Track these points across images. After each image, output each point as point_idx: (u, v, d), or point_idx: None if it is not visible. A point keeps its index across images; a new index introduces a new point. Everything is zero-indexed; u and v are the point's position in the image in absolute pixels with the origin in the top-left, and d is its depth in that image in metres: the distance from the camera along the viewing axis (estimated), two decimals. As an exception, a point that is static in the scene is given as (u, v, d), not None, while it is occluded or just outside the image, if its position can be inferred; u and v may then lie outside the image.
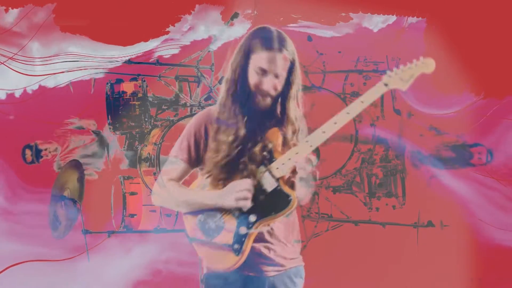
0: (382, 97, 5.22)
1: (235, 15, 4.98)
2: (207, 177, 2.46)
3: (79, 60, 4.96)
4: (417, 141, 5.19)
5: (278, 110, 2.48)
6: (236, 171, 2.41)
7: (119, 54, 4.98)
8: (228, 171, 2.42)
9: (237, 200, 2.36)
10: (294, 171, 2.37)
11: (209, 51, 5.07)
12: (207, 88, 5.10)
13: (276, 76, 2.40)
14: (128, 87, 4.97)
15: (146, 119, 4.96)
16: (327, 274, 4.84)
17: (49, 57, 4.91)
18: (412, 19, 5.17)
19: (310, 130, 2.57)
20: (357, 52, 5.30)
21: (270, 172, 2.40)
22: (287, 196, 2.39)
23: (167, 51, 5.08)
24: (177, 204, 2.59)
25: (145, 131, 4.98)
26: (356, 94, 5.30)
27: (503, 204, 5.06)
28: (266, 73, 2.39)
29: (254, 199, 2.39)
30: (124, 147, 5.11)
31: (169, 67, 5.11)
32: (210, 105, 4.99)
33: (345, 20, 5.17)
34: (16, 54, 4.83)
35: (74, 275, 4.73)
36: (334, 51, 5.25)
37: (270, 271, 2.50)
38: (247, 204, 2.37)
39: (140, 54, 5.01)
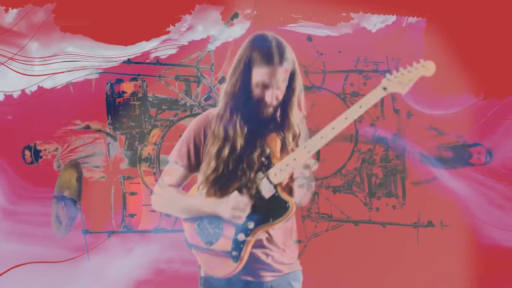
0: (382, 97, 5.21)
1: (235, 15, 4.97)
2: (201, 189, 2.45)
3: (79, 60, 4.96)
4: (417, 141, 5.19)
5: (279, 115, 2.47)
6: (230, 182, 2.40)
7: (117, 54, 4.98)
8: (219, 185, 2.41)
9: (232, 217, 2.36)
10: (292, 177, 2.37)
11: (209, 51, 5.07)
12: (207, 88, 5.10)
13: (278, 88, 2.38)
14: (128, 87, 4.97)
15: (146, 119, 4.95)
16: (327, 274, 4.84)
17: (49, 57, 4.91)
18: (412, 19, 5.18)
19: (310, 131, 2.57)
20: (357, 52, 5.30)
21: (268, 179, 2.39)
22: (285, 202, 2.38)
23: (165, 51, 5.08)
24: (176, 210, 2.60)
25: (145, 131, 4.98)
26: (356, 94, 5.30)
27: (503, 204, 5.06)
28: (268, 87, 2.38)
29: (252, 206, 2.39)
30: (124, 147, 5.11)
31: (169, 67, 5.11)
32: (210, 105, 5.00)
33: (346, 20, 5.17)
34: (16, 54, 4.83)
35: (74, 275, 4.73)
36: (334, 51, 5.25)
37: (268, 276, 2.49)
38: (240, 222, 2.38)
39: (138, 54, 5.02)
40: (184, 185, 2.58)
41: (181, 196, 2.51)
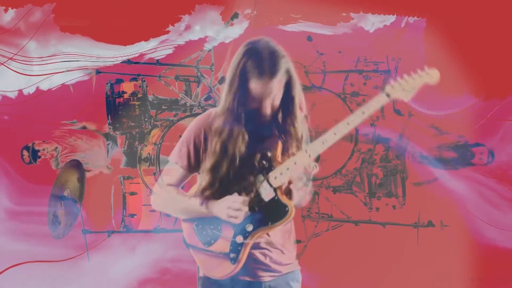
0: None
1: (235, 15, 4.97)
2: (200, 188, 2.45)
3: (79, 60, 4.96)
4: (418, 141, 5.19)
5: (281, 119, 2.45)
6: (230, 185, 2.40)
7: (116, 54, 4.98)
8: (221, 188, 2.41)
9: (228, 217, 2.36)
10: (291, 181, 2.38)
11: (209, 51, 5.07)
12: (207, 88, 5.10)
13: (273, 98, 2.35)
14: (128, 87, 4.97)
15: (146, 119, 4.95)
16: (327, 274, 4.84)
17: (48, 57, 4.91)
18: (412, 19, 5.17)
19: (310, 131, 2.57)
20: (357, 52, 5.30)
21: (268, 181, 2.39)
22: (285, 206, 2.38)
23: (164, 52, 5.08)
24: (175, 210, 2.60)
25: (145, 131, 4.98)
26: (356, 94, 5.30)
27: (503, 205, 5.06)
28: (263, 99, 2.36)
29: (252, 208, 2.38)
30: (124, 147, 5.11)
31: (169, 67, 5.11)
32: (210, 105, 5.00)
33: (346, 20, 5.17)
34: (16, 54, 4.83)
35: (74, 275, 4.73)
36: (334, 51, 5.25)
37: (266, 277, 2.49)
38: (237, 221, 2.37)
39: (137, 55, 5.02)
40: (183, 184, 2.58)
41: (180, 197, 2.51)
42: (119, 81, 4.98)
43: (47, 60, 4.91)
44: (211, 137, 2.43)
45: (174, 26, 5.03)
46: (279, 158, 2.40)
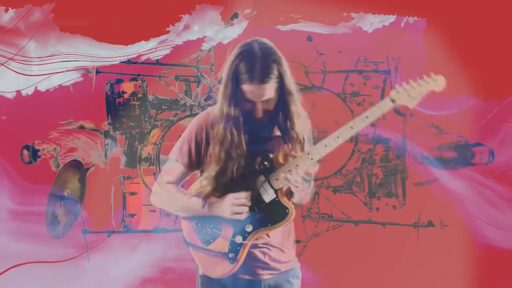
0: (382, 97, 5.22)
1: (235, 15, 4.97)
2: (202, 186, 2.45)
3: (78, 60, 4.96)
4: (418, 141, 5.18)
5: (281, 122, 2.44)
6: (232, 185, 2.40)
7: (115, 54, 4.98)
8: (224, 187, 2.41)
9: (232, 214, 2.36)
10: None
11: (209, 51, 5.07)
12: (207, 88, 5.10)
13: (265, 100, 2.33)
14: (128, 87, 4.97)
15: (146, 119, 4.95)
16: (327, 274, 4.84)
17: (47, 56, 4.91)
18: (412, 19, 5.17)
19: (312, 131, 2.57)
20: (357, 52, 5.30)
21: (269, 183, 2.39)
22: (285, 208, 2.38)
23: (163, 52, 5.08)
24: (175, 209, 2.60)
25: (145, 131, 4.98)
26: (356, 94, 5.30)
27: (503, 205, 5.06)
28: (256, 102, 2.34)
29: (252, 209, 2.38)
30: (124, 147, 5.11)
31: (169, 67, 5.11)
32: (210, 105, 4.99)
33: (346, 20, 5.17)
34: (16, 54, 4.83)
35: (74, 275, 4.73)
36: (335, 51, 5.25)
37: (266, 275, 2.50)
38: (242, 217, 2.36)
39: (135, 55, 5.01)
40: (183, 182, 2.58)
41: (180, 195, 2.51)
42: (119, 81, 4.98)
43: (46, 60, 4.91)
44: (212, 142, 2.43)
45: (174, 26, 5.03)
46: (281, 160, 2.40)
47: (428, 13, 5.13)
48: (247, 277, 2.48)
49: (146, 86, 5.00)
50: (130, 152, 5.09)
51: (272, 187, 2.39)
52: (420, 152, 5.18)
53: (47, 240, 4.82)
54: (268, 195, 2.39)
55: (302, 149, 2.43)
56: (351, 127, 2.32)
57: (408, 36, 5.17)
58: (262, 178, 2.40)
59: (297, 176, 2.32)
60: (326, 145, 2.34)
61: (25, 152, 4.98)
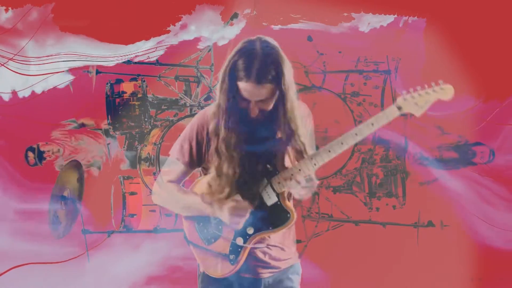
0: (382, 97, 5.22)
1: (235, 15, 4.97)
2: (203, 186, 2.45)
3: (78, 60, 4.96)
4: (418, 141, 5.18)
5: (282, 123, 2.42)
6: (234, 187, 2.39)
7: (115, 54, 4.98)
8: (227, 189, 2.40)
9: (229, 222, 2.35)
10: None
11: (208, 51, 5.07)
12: (207, 88, 5.10)
13: (260, 101, 2.30)
14: (128, 87, 4.97)
15: (146, 119, 4.96)
16: (327, 274, 4.84)
17: (47, 56, 4.91)
18: (412, 19, 5.17)
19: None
20: (357, 52, 5.30)
21: (272, 186, 2.39)
22: (287, 212, 2.39)
23: (162, 52, 5.07)
24: (176, 208, 2.60)
25: (145, 131, 4.98)
26: (356, 94, 5.29)
27: (503, 205, 5.06)
28: (250, 101, 2.31)
29: (254, 212, 2.38)
30: (124, 147, 5.11)
31: (169, 67, 5.11)
32: (210, 105, 4.99)
33: (347, 20, 5.17)
34: (16, 54, 4.83)
35: (75, 275, 4.73)
36: (335, 51, 5.25)
37: (266, 273, 2.50)
38: (238, 227, 2.38)
39: (133, 55, 5.01)
40: (183, 182, 2.58)
41: (181, 195, 2.50)
42: (119, 81, 4.98)
43: (45, 60, 4.91)
44: (212, 137, 2.42)
45: (175, 25, 5.03)
46: (284, 163, 2.40)
47: (428, 13, 5.12)
48: (247, 275, 2.48)
49: (146, 86, 5.00)
50: (130, 152, 5.10)
51: (274, 190, 2.38)
52: (420, 152, 5.18)
53: (48, 241, 4.82)
54: (270, 199, 2.39)
55: (302, 155, 2.41)
56: (356, 134, 2.30)
57: (408, 36, 5.17)
58: (265, 181, 2.40)
59: (300, 181, 2.32)
60: (329, 151, 2.33)
61: (31, 154, 4.98)
